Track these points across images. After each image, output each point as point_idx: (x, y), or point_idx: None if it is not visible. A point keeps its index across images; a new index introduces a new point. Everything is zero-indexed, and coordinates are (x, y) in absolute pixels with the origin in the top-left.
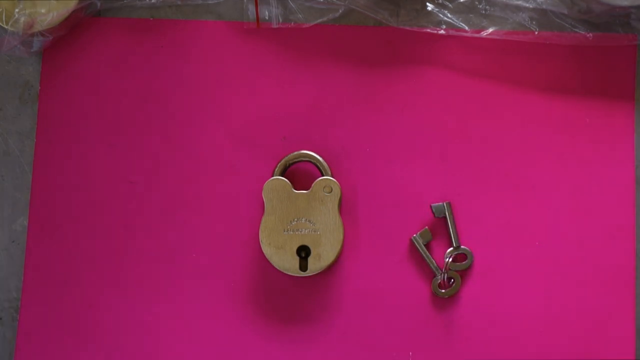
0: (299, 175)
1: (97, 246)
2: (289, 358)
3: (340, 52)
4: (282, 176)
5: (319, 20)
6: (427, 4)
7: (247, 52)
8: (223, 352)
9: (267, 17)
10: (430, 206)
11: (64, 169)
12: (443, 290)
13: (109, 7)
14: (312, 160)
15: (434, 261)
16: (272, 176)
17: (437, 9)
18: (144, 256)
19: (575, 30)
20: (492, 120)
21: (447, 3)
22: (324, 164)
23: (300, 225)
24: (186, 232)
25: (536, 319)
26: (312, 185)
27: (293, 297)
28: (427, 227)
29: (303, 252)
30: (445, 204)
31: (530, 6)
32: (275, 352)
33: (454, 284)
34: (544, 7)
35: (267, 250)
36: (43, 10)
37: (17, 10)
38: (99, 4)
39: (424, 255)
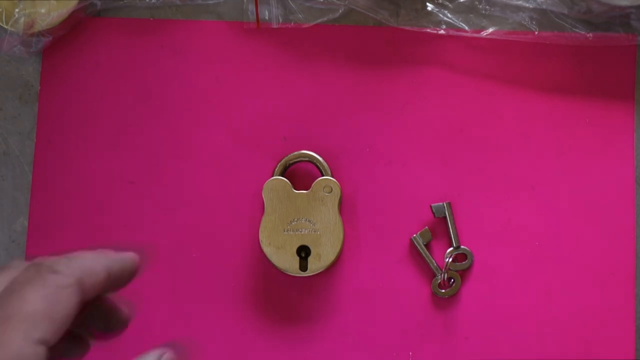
0: (299, 175)
1: (97, 246)
2: (289, 358)
3: (340, 52)
4: (282, 176)
5: (319, 20)
6: (427, 4)
7: (247, 52)
8: (223, 352)
9: (267, 17)
10: (430, 206)
11: (64, 169)
12: (443, 290)
13: (109, 7)
14: (312, 160)
15: (434, 261)
16: (272, 176)
17: (437, 9)
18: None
19: (575, 30)
20: (492, 120)
21: (447, 3)
22: (324, 164)
23: (300, 225)
24: (186, 232)
25: (536, 319)
26: (312, 185)
27: (293, 297)
28: (427, 227)
29: (303, 252)
30: (445, 204)
31: (530, 6)
32: (275, 352)
33: (454, 284)
34: (544, 7)
35: (267, 250)
36: (43, 10)
37: (17, 10)
38: (99, 4)
39: (424, 255)
